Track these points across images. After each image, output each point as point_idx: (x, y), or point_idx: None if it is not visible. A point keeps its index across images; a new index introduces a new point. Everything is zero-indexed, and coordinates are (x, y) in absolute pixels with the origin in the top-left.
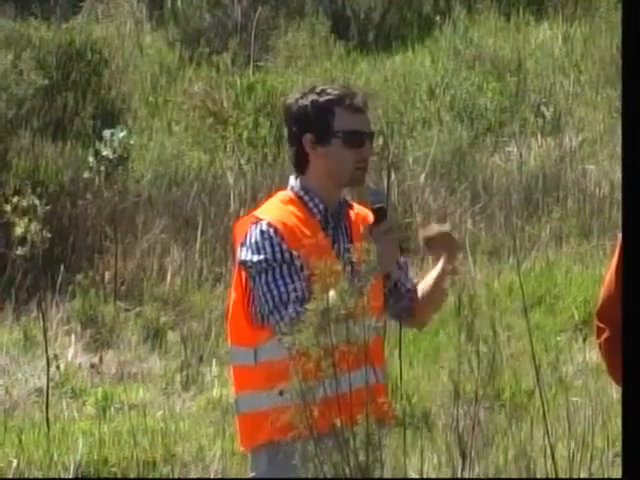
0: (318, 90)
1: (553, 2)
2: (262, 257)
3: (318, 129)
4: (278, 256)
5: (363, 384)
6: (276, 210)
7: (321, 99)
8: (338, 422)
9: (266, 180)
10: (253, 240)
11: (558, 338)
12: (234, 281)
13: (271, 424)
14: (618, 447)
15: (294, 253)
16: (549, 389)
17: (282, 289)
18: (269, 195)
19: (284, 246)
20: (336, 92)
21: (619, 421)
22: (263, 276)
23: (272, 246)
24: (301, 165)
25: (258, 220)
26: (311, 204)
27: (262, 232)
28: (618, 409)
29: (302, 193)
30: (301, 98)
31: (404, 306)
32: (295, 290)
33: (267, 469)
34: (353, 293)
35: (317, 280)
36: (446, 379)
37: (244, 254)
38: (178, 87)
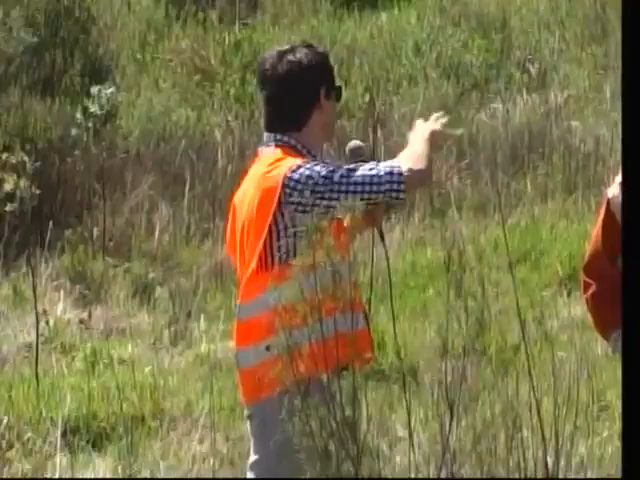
0: (307, 45)
1: None
2: (327, 168)
3: (329, 83)
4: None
5: (346, 329)
6: (294, 161)
7: (324, 53)
8: (323, 371)
9: (253, 137)
10: (306, 172)
11: (543, 293)
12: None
13: (268, 381)
14: (603, 401)
15: None
16: (534, 344)
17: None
18: (256, 152)
19: None
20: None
21: (604, 375)
22: (340, 170)
23: (326, 163)
24: (303, 120)
25: (293, 166)
26: (309, 157)
27: (307, 161)
28: (603, 363)
29: (299, 147)
30: (308, 52)
31: None
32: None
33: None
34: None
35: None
36: (434, 334)
37: (306, 190)
38: (166, 44)
